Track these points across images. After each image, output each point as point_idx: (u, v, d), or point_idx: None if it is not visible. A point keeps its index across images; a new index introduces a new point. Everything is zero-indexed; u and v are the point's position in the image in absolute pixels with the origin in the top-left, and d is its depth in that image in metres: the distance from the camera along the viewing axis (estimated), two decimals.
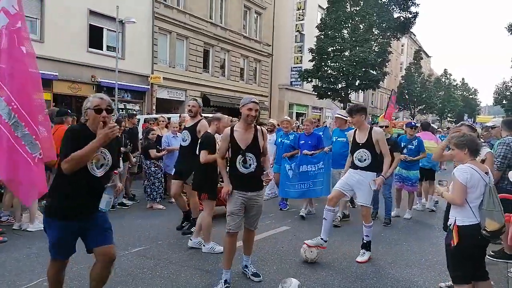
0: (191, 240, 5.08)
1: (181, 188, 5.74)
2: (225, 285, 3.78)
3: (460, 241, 3.11)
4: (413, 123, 7.97)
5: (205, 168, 4.79)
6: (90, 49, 16.51)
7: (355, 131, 5.08)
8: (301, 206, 7.21)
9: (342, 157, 6.25)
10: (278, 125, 8.77)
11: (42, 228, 5.61)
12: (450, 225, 3.27)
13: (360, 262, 4.76)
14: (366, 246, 4.94)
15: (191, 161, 5.16)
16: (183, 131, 5.79)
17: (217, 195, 4.90)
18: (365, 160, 4.82)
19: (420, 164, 7.48)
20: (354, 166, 4.90)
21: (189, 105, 5.75)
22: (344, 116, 6.74)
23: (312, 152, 6.89)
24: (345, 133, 6.49)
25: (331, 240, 5.64)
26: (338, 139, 6.74)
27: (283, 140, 7.62)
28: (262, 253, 4.95)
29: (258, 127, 3.97)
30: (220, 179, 4.74)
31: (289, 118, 8.37)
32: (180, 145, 5.81)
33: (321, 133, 7.52)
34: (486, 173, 3.22)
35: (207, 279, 4.10)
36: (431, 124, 12.90)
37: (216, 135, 4.87)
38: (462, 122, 5.27)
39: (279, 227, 6.29)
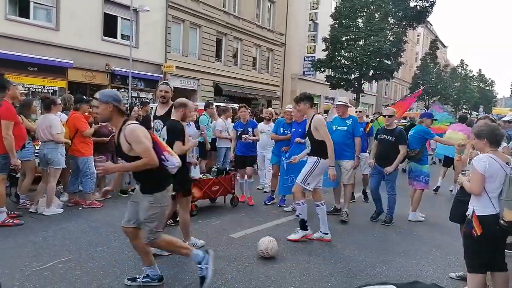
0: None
1: None
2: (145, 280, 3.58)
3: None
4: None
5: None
6: (105, 38, 16.61)
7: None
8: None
9: (343, 147, 6.04)
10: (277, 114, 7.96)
11: (58, 213, 5.82)
12: (468, 215, 3.26)
13: (291, 240, 4.96)
14: (300, 224, 5.09)
15: None
16: (155, 121, 5.06)
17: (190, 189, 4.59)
18: (308, 146, 5.11)
19: (445, 152, 8.09)
20: None
21: (161, 90, 5.01)
22: (347, 104, 6.42)
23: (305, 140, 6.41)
24: (346, 121, 6.23)
25: (341, 229, 5.68)
26: (338, 128, 6.27)
27: (285, 131, 6.95)
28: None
29: (126, 123, 3.27)
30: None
31: (292, 108, 7.27)
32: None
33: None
34: (508, 163, 3.18)
35: (217, 265, 4.15)
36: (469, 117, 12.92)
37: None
38: (486, 115, 5.28)
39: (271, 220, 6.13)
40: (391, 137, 6.02)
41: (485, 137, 3.23)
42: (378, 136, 6.28)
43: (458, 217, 3.56)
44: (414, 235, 5.63)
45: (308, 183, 4.98)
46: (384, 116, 6.29)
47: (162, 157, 3.35)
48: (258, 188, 8.14)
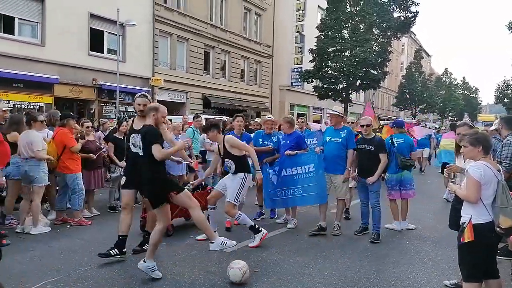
0: (144, 262, 4.09)
1: (133, 199, 4.94)
2: None
3: (475, 239, 3.09)
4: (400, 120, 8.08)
5: (152, 171, 4.09)
6: (91, 52, 16.52)
7: (219, 145, 5.42)
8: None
9: (337, 160, 5.81)
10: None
11: (45, 231, 5.69)
12: (463, 223, 3.23)
13: (252, 247, 5.11)
14: (252, 230, 5.24)
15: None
16: (132, 135, 4.64)
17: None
18: (230, 167, 5.28)
19: (445, 159, 7.89)
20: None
21: (139, 104, 4.70)
22: (341, 114, 6.10)
23: (296, 152, 6.17)
24: (340, 132, 5.90)
25: (333, 241, 5.66)
26: (331, 140, 5.91)
27: (265, 142, 6.62)
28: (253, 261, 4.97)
29: None
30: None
31: (273, 118, 7.12)
32: (130, 151, 4.73)
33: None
34: (499, 170, 3.22)
35: (211, 280, 4.10)
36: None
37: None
38: (464, 122, 5.29)
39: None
40: (370, 147, 5.81)
41: (481, 145, 3.23)
42: (357, 147, 5.92)
43: (457, 225, 3.54)
44: (406, 244, 5.63)
45: (239, 200, 5.33)
46: (362, 126, 5.97)
47: None
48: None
